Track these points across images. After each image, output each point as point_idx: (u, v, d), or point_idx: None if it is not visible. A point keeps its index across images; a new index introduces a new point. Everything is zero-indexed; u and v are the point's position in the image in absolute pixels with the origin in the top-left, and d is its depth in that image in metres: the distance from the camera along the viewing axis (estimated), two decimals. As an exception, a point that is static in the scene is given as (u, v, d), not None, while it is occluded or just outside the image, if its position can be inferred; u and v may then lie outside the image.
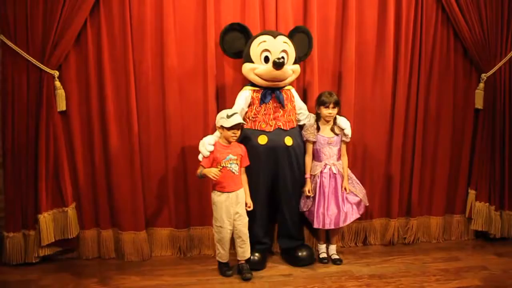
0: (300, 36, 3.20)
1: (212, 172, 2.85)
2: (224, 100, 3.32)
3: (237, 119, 2.87)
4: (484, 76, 3.56)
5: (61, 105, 3.10)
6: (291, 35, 3.15)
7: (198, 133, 3.28)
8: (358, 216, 3.25)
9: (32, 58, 2.99)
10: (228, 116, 2.87)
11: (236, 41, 3.12)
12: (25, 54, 2.98)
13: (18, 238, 3.09)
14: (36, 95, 3.05)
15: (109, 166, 3.23)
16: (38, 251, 3.12)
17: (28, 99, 3.04)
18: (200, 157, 2.94)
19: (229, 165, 2.93)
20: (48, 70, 3.02)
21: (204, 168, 2.91)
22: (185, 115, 3.28)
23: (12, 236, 3.08)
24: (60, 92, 3.08)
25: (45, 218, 3.07)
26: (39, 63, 3.00)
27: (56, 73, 3.05)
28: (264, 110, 3.06)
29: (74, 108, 3.18)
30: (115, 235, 3.30)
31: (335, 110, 3.18)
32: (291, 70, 3.07)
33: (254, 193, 3.07)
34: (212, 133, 3.12)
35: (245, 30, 3.12)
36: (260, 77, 3.02)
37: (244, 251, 3.03)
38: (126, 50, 3.14)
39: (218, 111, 3.23)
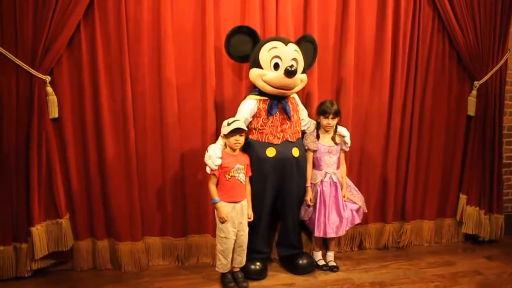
0: (306, 45, 3.13)
1: (222, 215, 2.86)
2: (223, 107, 3.24)
3: (236, 124, 2.83)
4: (477, 83, 3.63)
5: (54, 112, 2.94)
6: (298, 44, 3.06)
7: (196, 140, 3.22)
8: (358, 222, 3.28)
9: (21, 62, 2.81)
10: (229, 124, 2.86)
11: (242, 44, 3.00)
12: (13, 57, 2.80)
13: (9, 252, 2.94)
14: (27, 102, 2.87)
15: (105, 174, 3.10)
16: (31, 265, 2.98)
17: (18, 105, 2.87)
18: (208, 170, 2.86)
19: (237, 175, 2.89)
20: (39, 75, 2.85)
21: (216, 177, 2.88)
22: (183, 121, 3.19)
23: (2, 250, 2.92)
24: (52, 98, 2.92)
25: (38, 231, 2.93)
26: (29, 68, 2.83)
27: (48, 78, 2.89)
28: (271, 122, 2.99)
29: (67, 114, 3.02)
30: (111, 245, 3.19)
31: (335, 121, 3.17)
32: (300, 79, 3.00)
33: (259, 204, 3.03)
34: (211, 141, 3.05)
35: (253, 34, 3.01)
36: (268, 84, 2.93)
37: (242, 259, 3.03)
38: (122, 53, 3.01)
39: (217, 118, 3.19)
